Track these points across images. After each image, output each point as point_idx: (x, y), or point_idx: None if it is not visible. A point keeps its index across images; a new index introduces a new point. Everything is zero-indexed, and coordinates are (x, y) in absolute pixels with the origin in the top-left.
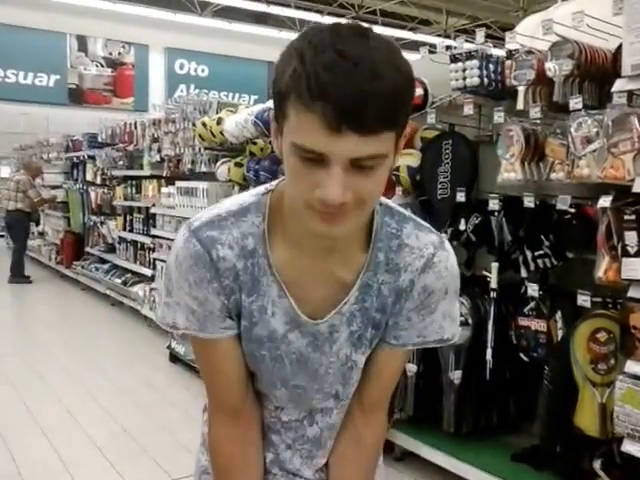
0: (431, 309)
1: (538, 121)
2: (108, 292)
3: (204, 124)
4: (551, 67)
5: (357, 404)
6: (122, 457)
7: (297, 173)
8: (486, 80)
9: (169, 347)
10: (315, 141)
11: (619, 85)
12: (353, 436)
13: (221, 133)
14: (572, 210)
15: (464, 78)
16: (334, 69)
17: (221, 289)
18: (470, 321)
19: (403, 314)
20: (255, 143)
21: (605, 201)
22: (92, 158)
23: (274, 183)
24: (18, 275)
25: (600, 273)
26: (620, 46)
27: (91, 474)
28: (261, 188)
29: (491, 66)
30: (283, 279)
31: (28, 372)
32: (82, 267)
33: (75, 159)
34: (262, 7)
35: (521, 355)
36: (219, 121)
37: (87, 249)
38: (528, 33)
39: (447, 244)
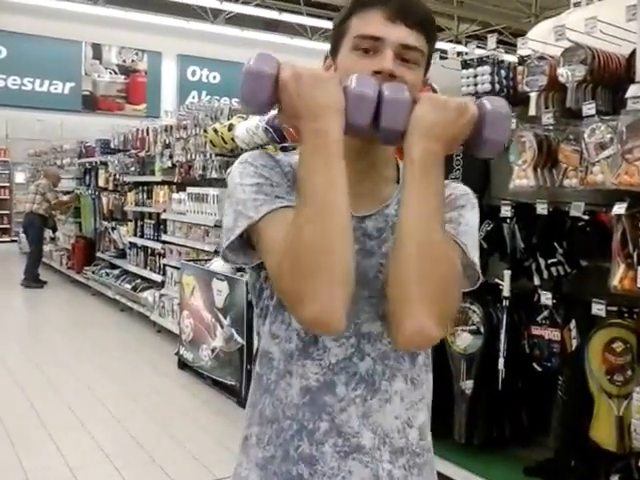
0: (459, 207)
1: (551, 127)
2: (118, 297)
3: (215, 130)
4: (564, 73)
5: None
6: (129, 463)
7: (355, 63)
8: (498, 86)
9: (178, 353)
10: (375, 28)
11: (633, 91)
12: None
13: (232, 139)
14: (586, 217)
15: (475, 84)
16: None
17: (284, 175)
18: (482, 330)
19: None
20: (265, 149)
21: (620, 208)
22: (104, 164)
23: None
24: (31, 279)
25: (615, 281)
26: (634, 52)
27: None
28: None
29: (503, 72)
30: None
31: (37, 376)
32: (93, 272)
33: (88, 165)
34: (274, 14)
35: (534, 365)
36: (230, 127)
37: (98, 254)
38: (540, 39)
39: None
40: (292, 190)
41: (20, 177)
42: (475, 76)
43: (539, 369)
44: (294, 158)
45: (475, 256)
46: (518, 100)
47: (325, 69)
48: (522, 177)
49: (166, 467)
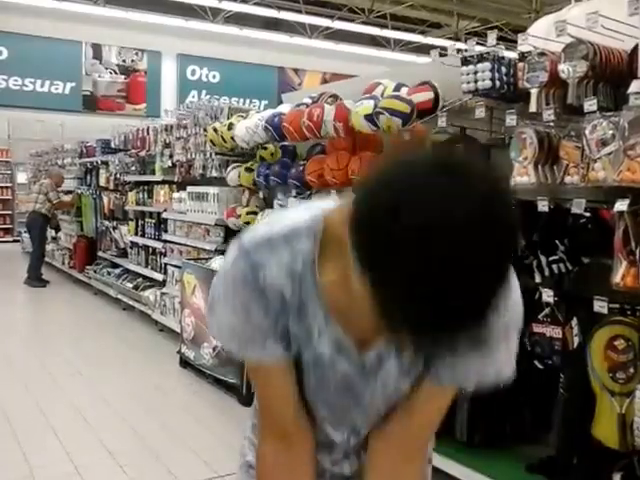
0: (491, 349)
1: (552, 124)
2: (120, 296)
3: (215, 129)
4: (565, 69)
5: (398, 435)
6: (132, 461)
7: (368, 317)
8: (498, 83)
9: (179, 352)
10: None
11: (636, 86)
12: (390, 467)
13: (232, 138)
14: (587, 214)
15: (476, 81)
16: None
17: (268, 312)
18: None
19: (460, 351)
20: (265, 148)
21: (622, 205)
22: (105, 164)
23: (329, 206)
24: (34, 278)
25: (617, 279)
26: (636, 47)
27: (102, 477)
28: (317, 210)
29: (503, 68)
30: (330, 306)
31: (41, 374)
32: (94, 271)
33: (89, 165)
34: (273, 13)
35: (536, 363)
36: (230, 126)
37: (99, 254)
38: (541, 35)
39: (514, 277)
40: (274, 329)
41: (22, 177)
42: (475, 73)
43: (540, 367)
44: (296, 252)
45: (505, 375)
46: (519, 96)
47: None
48: (523, 174)
49: (169, 464)
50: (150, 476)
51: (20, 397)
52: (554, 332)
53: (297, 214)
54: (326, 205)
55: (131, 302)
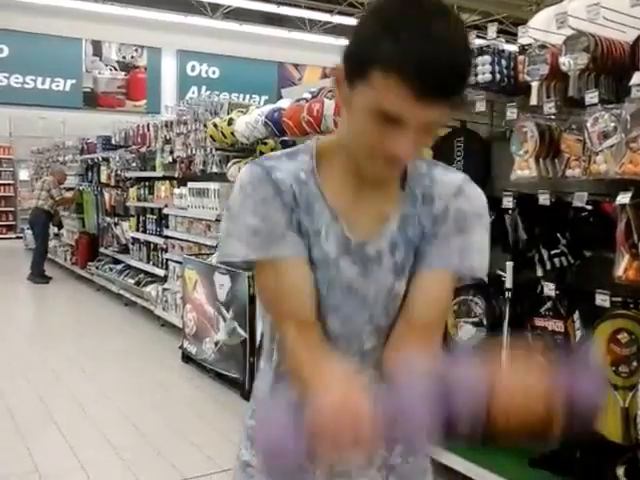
0: (468, 230)
1: (553, 117)
2: (122, 292)
3: (215, 125)
4: (566, 61)
5: (404, 325)
6: (136, 456)
7: (369, 131)
8: (498, 76)
9: (181, 347)
10: (400, 108)
11: (638, 78)
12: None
13: (232, 134)
14: (589, 207)
15: (476, 74)
16: (425, 46)
17: (283, 205)
18: (485, 322)
19: (442, 237)
20: (265, 143)
21: (624, 197)
22: (106, 160)
23: (319, 137)
24: (37, 274)
25: (620, 272)
26: (638, 38)
27: (105, 472)
28: (307, 141)
29: (503, 62)
30: (333, 203)
31: (44, 370)
32: (96, 267)
33: (90, 161)
34: (272, 8)
35: None
36: (230, 122)
37: (101, 250)
38: (542, 27)
39: (474, 185)
40: (290, 223)
41: (24, 174)
42: (475, 66)
43: None
44: (297, 164)
45: (482, 271)
46: (519, 90)
47: (338, 88)
48: (524, 168)
49: (172, 459)
50: (153, 471)
51: (23, 392)
52: (556, 326)
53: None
54: (314, 138)
55: (133, 298)
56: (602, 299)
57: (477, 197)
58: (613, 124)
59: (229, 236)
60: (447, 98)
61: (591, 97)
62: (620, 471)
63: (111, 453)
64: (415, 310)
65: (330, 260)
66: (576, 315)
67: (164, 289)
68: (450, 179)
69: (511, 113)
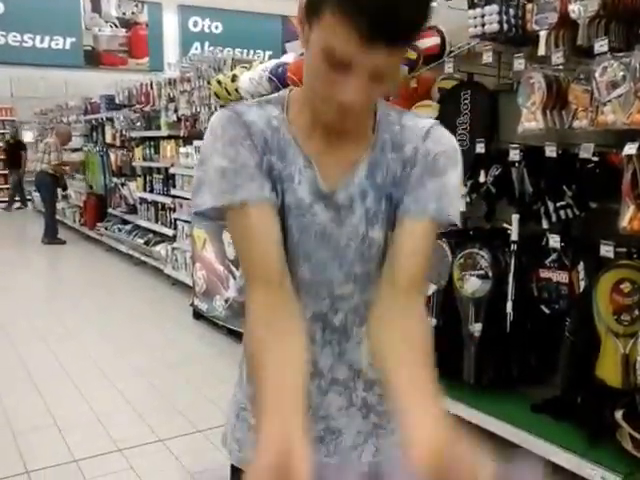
0: (441, 172)
1: (561, 67)
2: (131, 252)
3: (219, 82)
4: (575, 9)
5: (388, 287)
6: (150, 409)
7: (320, 74)
8: (506, 26)
9: (192, 304)
10: (347, 50)
11: None
12: (394, 329)
13: (236, 90)
14: (595, 159)
15: (483, 24)
16: None
17: (254, 147)
18: (490, 274)
19: (416, 181)
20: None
21: (631, 148)
22: (110, 120)
23: (292, 87)
24: (51, 237)
25: (625, 223)
26: None
27: (122, 425)
28: (280, 92)
29: (511, 10)
30: (307, 154)
31: (59, 330)
32: (105, 228)
33: (94, 122)
34: None
35: (542, 307)
36: (234, 78)
37: (109, 210)
38: None
39: (443, 127)
40: (260, 165)
41: (28, 136)
42: (483, 16)
43: (547, 311)
44: (269, 112)
45: (457, 217)
46: (527, 40)
47: (300, 28)
48: (531, 120)
49: (185, 412)
50: (167, 423)
51: (39, 351)
52: (561, 277)
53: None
54: (288, 88)
55: (143, 257)
56: (606, 250)
57: (446, 139)
58: (622, 73)
59: (199, 185)
60: (395, 44)
61: (600, 45)
62: (619, 414)
63: (126, 407)
64: (397, 266)
65: (304, 205)
66: (580, 266)
67: (173, 248)
68: (419, 124)
69: (518, 64)
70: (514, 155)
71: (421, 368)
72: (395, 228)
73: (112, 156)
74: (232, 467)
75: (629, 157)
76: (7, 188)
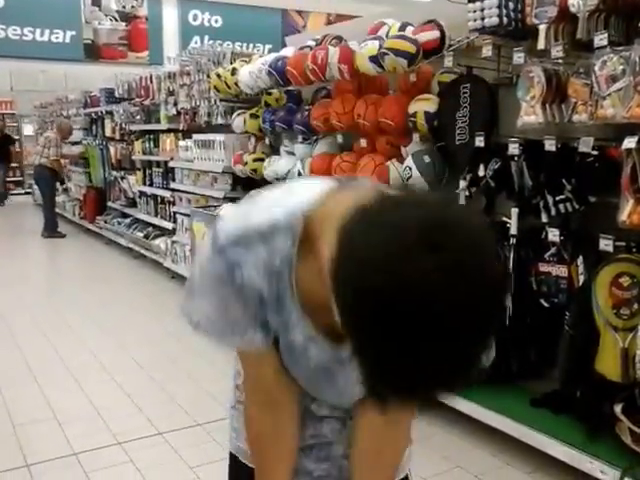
0: None
1: (560, 61)
2: (131, 245)
3: (219, 75)
4: (575, 2)
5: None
6: (149, 402)
7: None
8: (505, 19)
9: None
10: None
11: None
12: (370, 445)
13: (236, 84)
14: (595, 152)
15: (482, 18)
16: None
17: (246, 308)
18: None
19: None
20: (270, 93)
21: (630, 142)
22: (110, 113)
23: (310, 203)
24: (51, 230)
25: (624, 217)
26: None
27: (121, 418)
28: (296, 205)
29: (511, 4)
30: (304, 302)
31: (59, 323)
32: (105, 222)
33: (94, 115)
34: None
35: (541, 301)
36: (233, 72)
37: (109, 204)
38: None
39: None
40: (254, 319)
41: (28, 129)
42: (482, 9)
43: (546, 305)
44: (273, 251)
45: None
46: (527, 33)
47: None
48: (530, 113)
49: (185, 406)
50: (167, 416)
51: (39, 344)
52: (560, 271)
53: (276, 205)
54: (305, 202)
55: (143, 251)
56: (606, 244)
57: None
58: (622, 67)
59: (191, 305)
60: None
61: (600, 39)
62: (618, 408)
63: (126, 400)
64: None
65: (298, 347)
66: (580, 260)
67: (173, 241)
68: None
69: (518, 58)
70: (513, 149)
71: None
72: None
73: (112, 149)
74: (230, 454)
75: (628, 151)
76: None
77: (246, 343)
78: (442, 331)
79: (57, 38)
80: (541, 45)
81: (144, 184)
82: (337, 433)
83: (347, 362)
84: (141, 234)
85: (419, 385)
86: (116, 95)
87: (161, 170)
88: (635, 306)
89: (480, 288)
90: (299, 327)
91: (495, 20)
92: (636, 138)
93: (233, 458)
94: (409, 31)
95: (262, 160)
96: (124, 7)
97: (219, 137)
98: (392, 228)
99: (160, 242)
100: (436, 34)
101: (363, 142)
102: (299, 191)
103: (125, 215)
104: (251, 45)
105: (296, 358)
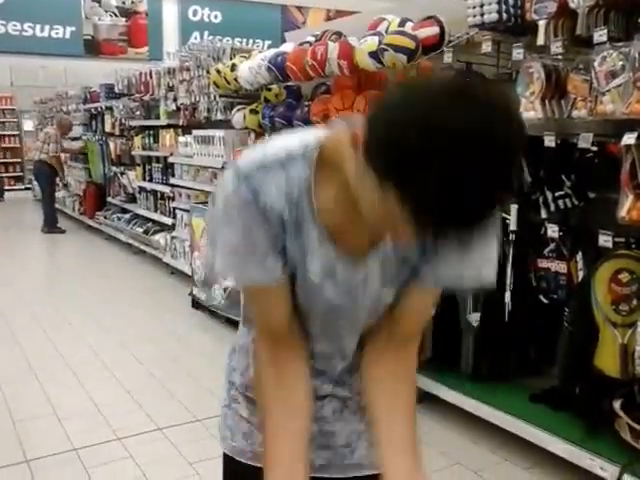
0: (468, 248)
1: (560, 57)
2: (130, 241)
3: (218, 71)
4: None
5: (387, 336)
6: (149, 398)
7: (375, 211)
8: (505, 15)
9: (191, 294)
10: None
11: None
12: (385, 375)
13: (235, 80)
14: (594, 148)
15: (482, 14)
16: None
17: (269, 232)
18: None
19: (443, 256)
20: (270, 89)
21: (630, 138)
22: (110, 109)
23: (323, 135)
24: (50, 226)
25: (623, 212)
26: None
27: (121, 414)
28: (309, 137)
29: (510, 0)
30: (325, 225)
31: (59, 320)
32: (105, 217)
33: (93, 110)
34: None
35: (541, 297)
36: (233, 67)
37: (109, 199)
38: None
39: None
40: (274, 247)
41: (29, 125)
42: (482, 5)
43: (545, 301)
44: (291, 178)
45: (482, 280)
46: (526, 29)
47: (359, 160)
48: (530, 109)
49: (185, 402)
50: (167, 412)
51: (39, 340)
52: (559, 267)
53: (291, 140)
54: (320, 132)
55: (142, 246)
56: (605, 240)
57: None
58: (621, 63)
59: (210, 251)
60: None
61: (600, 35)
62: (617, 405)
63: (125, 396)
64: (402, 321)
65: (314, 282)
66: (579, 256)
67: (172, 237)
68: None
69: (517, 54)
70: None
71: (406, 425)
72: (408, 286)
73: (111, 145)
74: (225, 455)
75: (628, 147)
76: None
77: (265, 273)
78: (485, 155)
79: (57, 34)
80: (541, 41)
81: (144, 180)
82: (338, 415)
83: (358, 294)
84: (141, 230)
85: (472, 205)
86: (116, 91)
87: (161, 166)
88: (634, 302)
89: (509, 123)
90: (317, 255)
91: (495, 16)
92: (635, 134)
93: (228, 459)
94: (409, 27)
95: None
96: (124, 3)
97: (219, 133)
98: (428, 90)
99: (160, 238)
100: (436, 30)
101: None
102: (311, 131)
103: (125, 211)
104: (251, 41)
105: (311, 291)
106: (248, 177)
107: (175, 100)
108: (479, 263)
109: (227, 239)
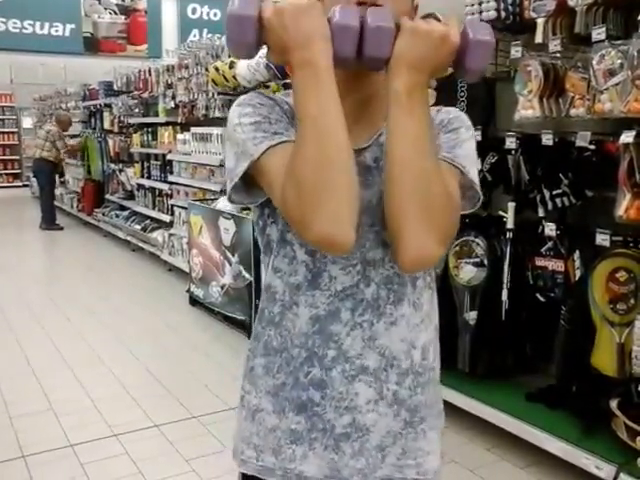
0: (454, 129)
1: (558, 55)
2: (129, 238)
3: (217, 69)
4: None
5: None
6: (146, 395)
7: None
8: (503, 13)
9: (189, 291)
10: None
11: None
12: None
13: (234, 77)
14: (592, 147)
15: (480, 12)
16: None
17: (282, 112)
18: (486, 262)
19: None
20: (268, 87)
21: (628, 136)
22: (109, 106)
23: None
24: (49, 222)
25: (621, 211)
26: None
27: (117, 410)
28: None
29: None
30: None
31: (57, 316)
32: (103, 214)
33: (92, 108)
34: None
35: (538, 296)
36: (231, 65)
37: (107, 196)
38: None
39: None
40: (291, 126)
41: (27, 122)
42: (480, 3)
43: (542, 300)
44: (291, 98)
45: (473, 175)
46: (525, 27)
47: None
48: (528, 107)
49: (181, 398)
50: (163, 408)
51: (36, 336)
52: (556, 265)
53: None
54: None
55: (140, 243)
56: (602, 238)
57: (455, 111)
58: (619, 61)
59: (230, 157)
60: None
61: (598, 33)
62: (614, 404)
63: (122, 392)
64: None
65: None
66: (576, 254)
67: (170, 234)
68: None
69: (516, 52)
70: (510, 143)
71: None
72: None
73: (110, 142)
74: (244, 476)
75: (626, 145)
76: None
77: (292, 135)
78: None
79: (57, 31)
80: (539, 39)
81: (142, 177)
82: (373, 405)
83: (370, 177)
84: (139, 227)
85: None
86: (115, 88)
87: (159, 163)
88: (631, 301)
89: None
90: None
91: (493, 14)
92: (633, 132)
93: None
94: None
95: None
96: (123, 0)
97: (217, 130)
98: None
99: (157, 235)
100: None
101: None
102: None
103: (123, 208)
104: None
105: None
106: (259, 94)
107: (174, 98)
108: (468, 151)
109: (248, 122)
